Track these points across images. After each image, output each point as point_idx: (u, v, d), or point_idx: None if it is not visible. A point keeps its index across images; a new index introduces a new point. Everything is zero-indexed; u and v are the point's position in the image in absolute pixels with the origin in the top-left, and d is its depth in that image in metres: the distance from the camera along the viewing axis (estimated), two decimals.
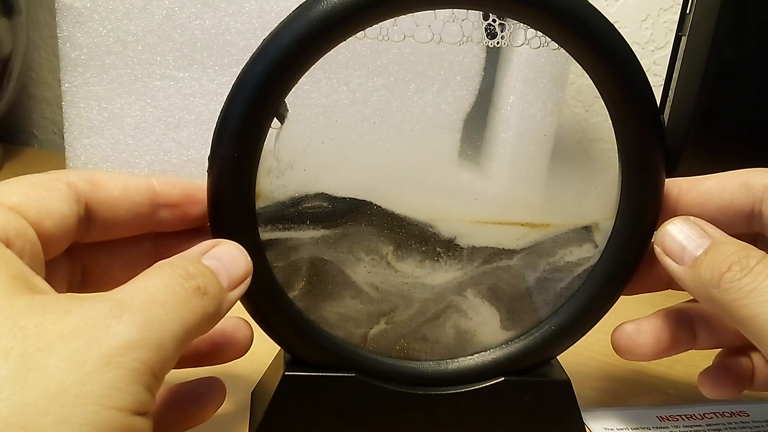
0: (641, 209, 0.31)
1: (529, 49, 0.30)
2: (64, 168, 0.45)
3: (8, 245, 0.23)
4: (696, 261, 0.28)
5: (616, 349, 0.33)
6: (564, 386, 0.33)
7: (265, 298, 0.30)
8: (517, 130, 0.36)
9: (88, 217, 0.27)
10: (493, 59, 0.38)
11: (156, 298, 0.22)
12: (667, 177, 0.31)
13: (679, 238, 0.29)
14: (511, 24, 0.30)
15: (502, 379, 0.32)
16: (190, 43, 0.43)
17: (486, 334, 0.33)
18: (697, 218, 0.30)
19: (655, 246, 0.30)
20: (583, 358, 0.41)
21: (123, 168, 0.44)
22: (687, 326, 0.33)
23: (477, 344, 0.33)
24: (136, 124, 0.44)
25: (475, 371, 0.32)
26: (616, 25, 0.29)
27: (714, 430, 0.35)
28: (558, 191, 0.33)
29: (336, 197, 0.31)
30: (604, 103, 0.30)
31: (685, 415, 0.36)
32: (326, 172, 0.31)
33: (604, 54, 0.28)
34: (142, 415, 0.21)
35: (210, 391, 0.30)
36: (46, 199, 0.25)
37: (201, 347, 0.31)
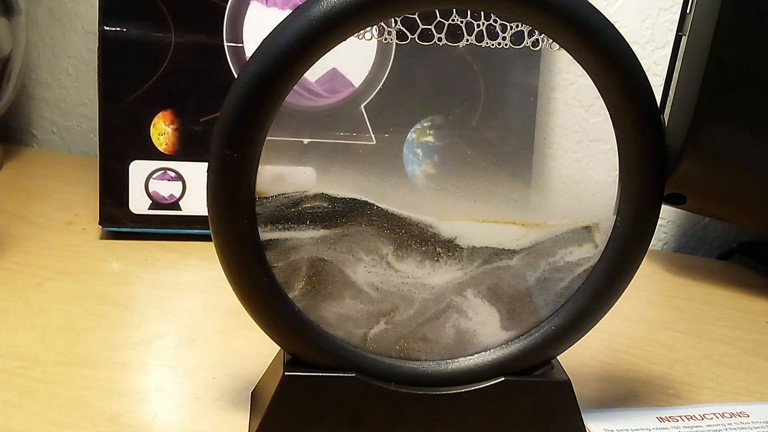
0: (641, 209, 0.31)
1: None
2: (63, 167, 0.45)
3: None
4: None
5: None
6: (564, 386, 0.33)
7: (265, 298, 0.30)
8: (519, 131, 0.36)
9: None
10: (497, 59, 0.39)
11: None
12: (667, 177, 0.31)
13: None
14: (513, 24, 0.30)
15: (502, 379, 0.32)
16: None
17: (486, 334, 0.33)
18: None
19: None
20: (583, 358, 0.41)
21: None
22: None
23: (477, 344, 0.33)
24: None
25: (475, 371, 0.32)
26: (616, 25, 0.29)
27: (714, 430, 0.35)
28: (558, 191, 0.33)
29: (336, 197, 0.31)
30: (604, 103, 0.30)
31: (685, 416, 0.36)
32: (326, 172, 0.31)
33: (604, 54, 0.28)
34: None
35: None
36: None
37: None
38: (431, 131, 0.41)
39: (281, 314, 0.30)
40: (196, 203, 0.54)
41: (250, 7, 0.52)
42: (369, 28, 0.29)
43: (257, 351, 0.38)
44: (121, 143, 0.53)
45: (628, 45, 0.29)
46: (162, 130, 0.53)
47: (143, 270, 0.49)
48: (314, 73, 0.49)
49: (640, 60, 0.29)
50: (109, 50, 0.52)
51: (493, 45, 0.31)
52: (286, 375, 0.31)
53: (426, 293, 0.32)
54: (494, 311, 0.33)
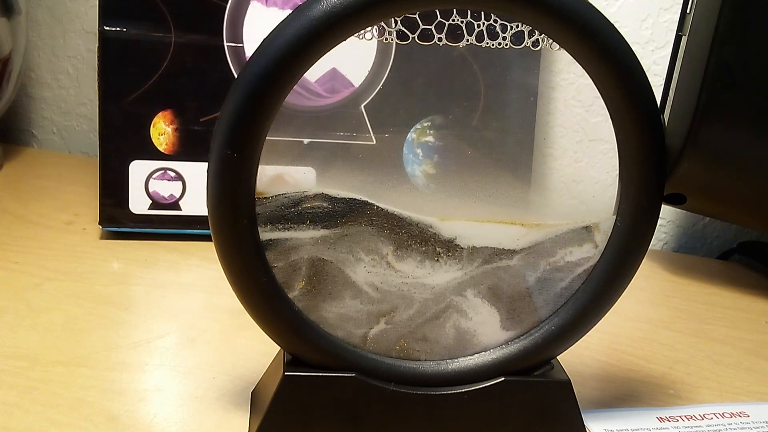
0: (641, 209, 0.31)
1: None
2: (63, 167, 0.45)
3: None
4: None
5: None
6: (564, 386, 0.33)
7: (265, 298, 0.30)
8: (519, 131, 0.36)
9: None
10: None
11: None
12: (667, 177, 0.31)
13: None
14: (513, 24, 0.30)
15: (502, 379, 0.32)
16: None
17: (486, 334, 0.33)
18: None
19: None
20: (583, 358, 0.41)
21: None
22: None
23: (477, 344, 0.33)
24: None
25: (475, 371, 0.32)
26: (616, 25, 0.29)
27: (714, 430, 0.35)
28: (558, 191, 0.33)
29: (336, 197, 0.31)
30: (604, 103, 0.30)
31: (685, 416, 0.36)
32: (326, 172, 0.31)
33: (604, 54, 0.28)
34: None
35: None
36: None
37: None
38: (431, 131, 0.41)
39: (281, 314, 0.30)
40: (196, 203, 0.54)
41: (250, 7, 0.52)
42: (369, 28, 0.29)
43: (257, 351, 0.38)
44: (121, 143, 0.53)
45: (628, 45, 0.29)
46: (162, 130, 0.53)
47: (143, 270, 0.49)
48: (314, 73, 0.49)
49: (640, 60, 0.29)
50: (109, 50, 0.52)
51: (493, 45, 0.31)
52: (286, 375, 0.31)
53: (426, 293, 0.32)
54: (494, 311, 0.33)
